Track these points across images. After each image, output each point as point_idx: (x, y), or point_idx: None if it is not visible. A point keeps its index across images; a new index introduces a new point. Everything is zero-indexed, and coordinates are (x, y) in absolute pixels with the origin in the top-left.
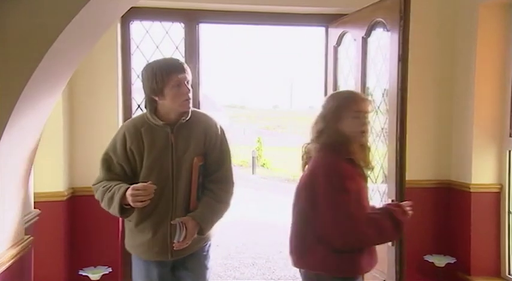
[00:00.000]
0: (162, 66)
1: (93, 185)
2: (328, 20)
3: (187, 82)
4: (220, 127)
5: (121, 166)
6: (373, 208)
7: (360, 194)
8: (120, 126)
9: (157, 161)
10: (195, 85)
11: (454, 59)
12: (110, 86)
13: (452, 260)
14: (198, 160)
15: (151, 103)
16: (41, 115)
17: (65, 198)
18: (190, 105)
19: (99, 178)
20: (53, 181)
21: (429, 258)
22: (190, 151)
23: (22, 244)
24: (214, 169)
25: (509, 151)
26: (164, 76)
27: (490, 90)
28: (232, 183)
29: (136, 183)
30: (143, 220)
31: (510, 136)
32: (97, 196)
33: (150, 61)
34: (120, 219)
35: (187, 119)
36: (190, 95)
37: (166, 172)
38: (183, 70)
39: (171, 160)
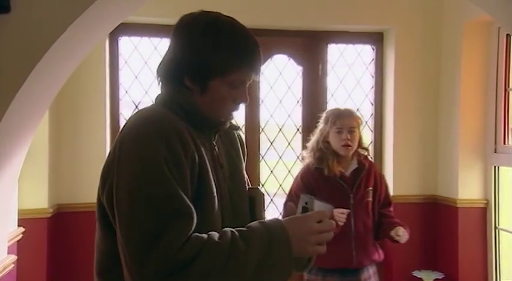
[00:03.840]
0: (242, 39)
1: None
2: None
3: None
4: None
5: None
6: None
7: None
8: (156, 131)
9: (212, 184)
10: None
11: (439, 74)
12: (98, 101)
13: (440, 275)
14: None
15: (184, 92)
16: (28, 131)
17: (50, 215)
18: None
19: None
20: (37, 198)
21: (417, 274)
22: (239, 171)
23: (4, 264)
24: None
25: (495, 167)
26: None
27: (474, 106)
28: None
29: None
30: None
31: (495, 152)
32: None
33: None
34: None
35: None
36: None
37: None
38: (257, 62)
39: (222, 182)
